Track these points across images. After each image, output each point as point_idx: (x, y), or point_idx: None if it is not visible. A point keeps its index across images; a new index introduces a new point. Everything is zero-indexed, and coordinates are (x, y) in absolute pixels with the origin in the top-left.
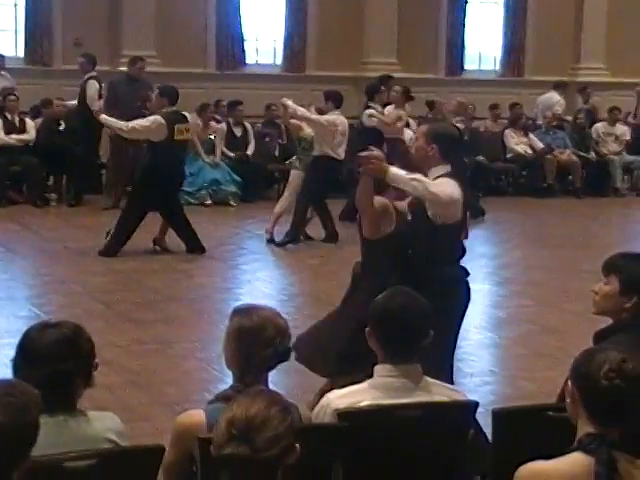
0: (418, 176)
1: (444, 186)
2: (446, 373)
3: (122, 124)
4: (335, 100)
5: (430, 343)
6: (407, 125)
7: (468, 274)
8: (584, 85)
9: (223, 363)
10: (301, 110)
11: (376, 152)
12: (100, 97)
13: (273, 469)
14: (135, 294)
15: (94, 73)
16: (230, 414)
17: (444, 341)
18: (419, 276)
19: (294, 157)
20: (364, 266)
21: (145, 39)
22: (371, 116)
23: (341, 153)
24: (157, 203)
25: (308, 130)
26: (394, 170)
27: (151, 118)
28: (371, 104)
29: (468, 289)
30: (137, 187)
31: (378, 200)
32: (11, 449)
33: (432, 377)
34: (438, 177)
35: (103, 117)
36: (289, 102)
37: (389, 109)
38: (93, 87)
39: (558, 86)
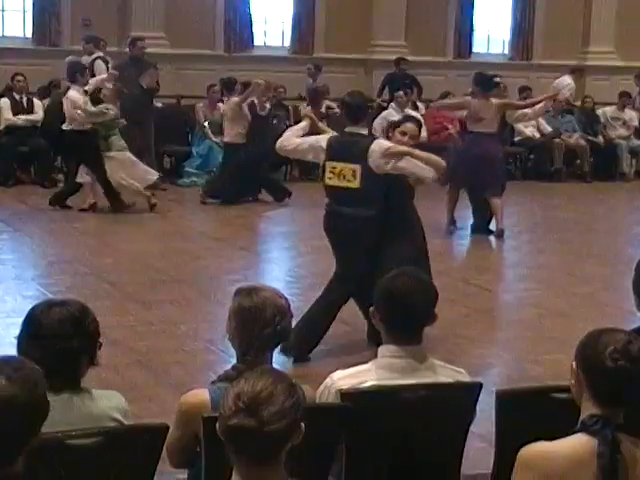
0: None
1: None
2: None
3: None
4: None
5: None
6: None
7: None
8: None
9: (228, 343)
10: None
11: None
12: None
13: (278, 445)
14: (141, 275)
15: (100, 54)
16: (237, 388)
17: None
18: None
19: None
20: None
21: (154, 20)
22: None
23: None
24: None
25: None
26: None
27: None
28: None
29: None
30: None
31: None
32: (24, 423)
33: None
34: None
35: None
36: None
37: None
38: (101, 67)
39: (574, 71)
